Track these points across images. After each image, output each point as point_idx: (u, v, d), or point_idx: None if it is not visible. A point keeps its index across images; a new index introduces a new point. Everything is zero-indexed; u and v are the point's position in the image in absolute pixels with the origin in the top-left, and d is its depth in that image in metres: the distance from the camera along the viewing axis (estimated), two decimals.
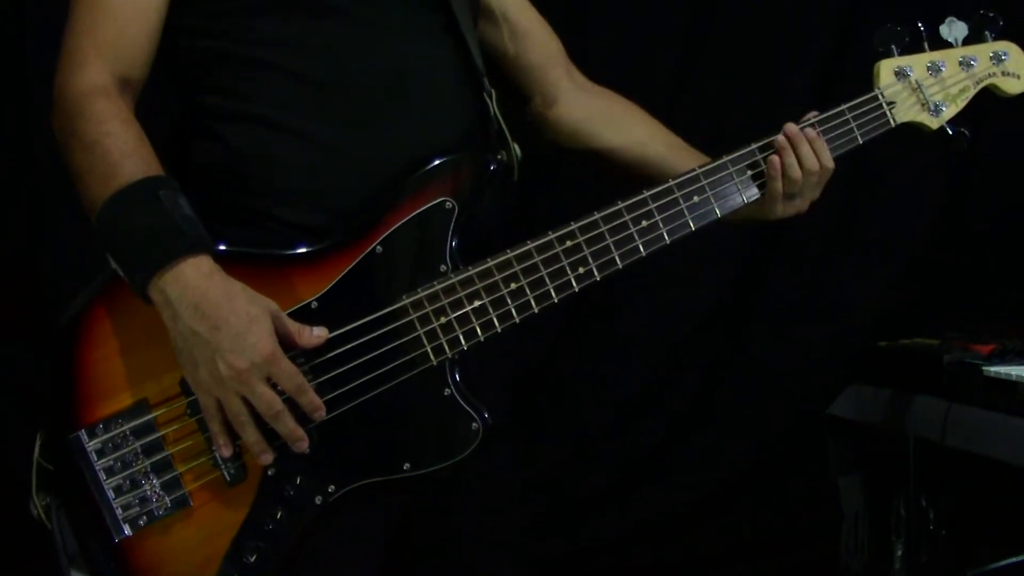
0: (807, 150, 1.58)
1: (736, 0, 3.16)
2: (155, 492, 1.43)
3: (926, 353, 2.67)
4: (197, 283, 1.37)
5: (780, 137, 1.57)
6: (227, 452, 1.40)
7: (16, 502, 1.61)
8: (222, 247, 1.42)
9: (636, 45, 3.13)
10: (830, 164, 1.60)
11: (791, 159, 1.57)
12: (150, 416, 1.43)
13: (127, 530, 1.43)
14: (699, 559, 3.30)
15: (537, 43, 1.73)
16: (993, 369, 2.44)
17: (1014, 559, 2.52)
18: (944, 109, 1.65)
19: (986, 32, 1.68)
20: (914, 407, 2.65)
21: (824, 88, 3.09)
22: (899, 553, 2.74)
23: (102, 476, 1.42)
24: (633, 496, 3.32)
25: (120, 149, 1.41)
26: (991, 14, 1.67)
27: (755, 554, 3.32)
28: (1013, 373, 2.38)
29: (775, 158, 1.57)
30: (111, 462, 1.43)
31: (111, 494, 1.43)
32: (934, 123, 1.66)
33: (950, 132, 1.66)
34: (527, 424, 3.07)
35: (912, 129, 1.66)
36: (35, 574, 1.57)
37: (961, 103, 1.66)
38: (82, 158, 1.42)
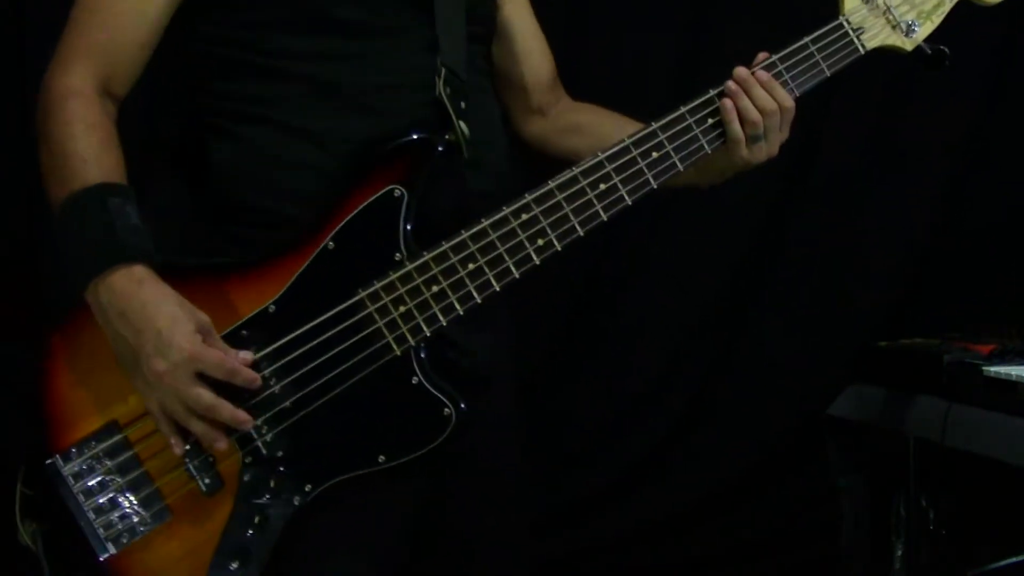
0: (760, 92, 1.54)
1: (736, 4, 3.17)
2: (134, 509, 1.45)
3: (926, 353, 2.67)
4: (126, 290, 1.40)
5: (730, 83, 1.54)
6: (179, 451, 1.43)
7: (14, 503, 1.63)
8: (165, 260, 1.44)
9: (635, 44, 3.14)
10: (788, 103, 1.55)
11: (745, 102, 1.53)
12: (121, 435, 1.46)
13: (111, 548, 1.45)
14: (699, 559, 3.30)
15: (530, 66, 1.77)
16: (993, 369, 2.43)
17: (1014, 559, 2.52)
18: (917, 28, 1.57)
19: None
20: (914, 407, 2.64)
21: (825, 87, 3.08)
22: (899, 553, 2.74)
23: (81, 499, 1.45)
24: (633, 496, 3.32)
25: (80, 154, 1.45)
26: None
27: (755, 554, 3.32)
28: (1013, 373, 2.38)
29: (727, 100, 1.53)
30: (88, 484, 1.45)
31: (92, 515, 1.45)
32: (908, 44, 1.59)
33: (928, 52, 1.59)
34: (526, 424, 3.07)
35: (887, 54, 1.58)
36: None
37: (937, 19, 1.59)
38: (47, 158, 1.48)
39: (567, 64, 3.08)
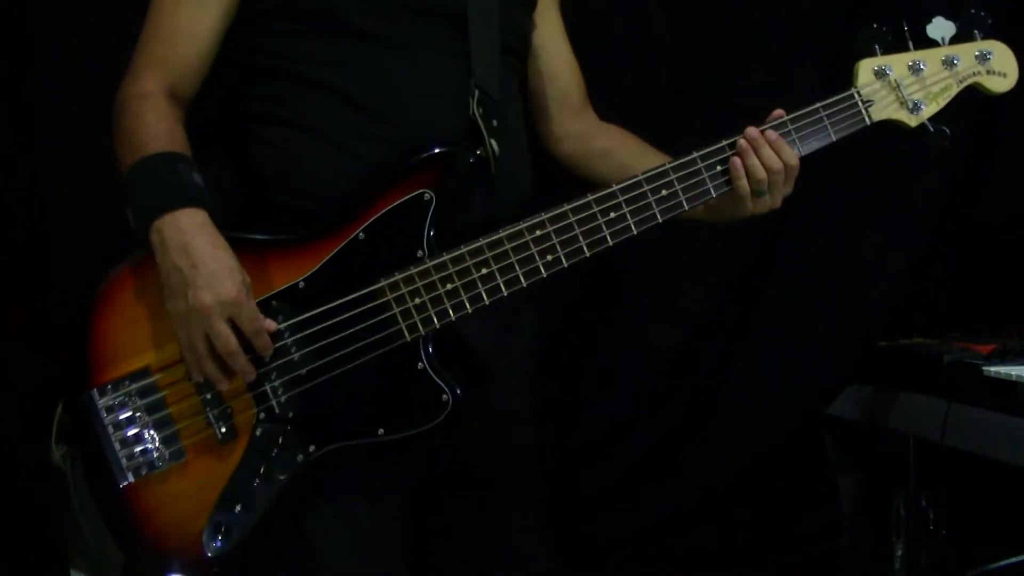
0: (768, 152, 1.66)
1: (739, 3, 3.16)
2: (155, 446, 1.62)
3: (926, 353, 2.67)
4: (189, 229, 1.57)
5: (741, 140, 1.66)
6: (198, 377, 1.60)
7: (15, 499, 1.76)
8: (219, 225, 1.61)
9: (639, 48, 3.13)
10: (793, 162, 1.67)
11: (753, 160, 1.66)
12: (153, 379, 1.62)
13: (130, 477, 1.61)
14: (699, 559, 3.30)
15: (561, 87, 1.92)
16: (993, 369, 2.44)
17: (1014, 559, 2.52)
18: (924, 107, 1.68)
19: (975, 31, 1.69)
20: (914, 407, 2.65)
21: (828, 91, 3.08)
22: (899, 553, 2.74)
23: (110, 430, 1.62)
24: (632, 496, 3.32)
25: (151, 133, 1.64)
26: (981, 12, 1.69)
27: (755, 554, 3.31)
28: (1013, 373, 2.38)
29: (736, 159, 1.66)
30: (119, 418, 1.62)
31: (117, 446, 1.62)
32: (913, 121, 1.70)
33: (931, 129, 1.70)
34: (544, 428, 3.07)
35: (892, 127, 1.68)
36: (34, 567, 1.75)
37: (943, 101, 1.70)
38: (120, 145, 1.65)
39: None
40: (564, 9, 1.97)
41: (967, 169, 3.31)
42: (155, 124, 1.64)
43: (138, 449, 1.61)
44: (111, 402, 1.61)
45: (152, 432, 1.61)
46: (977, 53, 1.69)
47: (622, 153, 1.88)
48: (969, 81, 1.70)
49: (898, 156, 3.25)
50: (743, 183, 1.66)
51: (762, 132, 1.67)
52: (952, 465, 2.58)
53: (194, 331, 1.56)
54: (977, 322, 2.89)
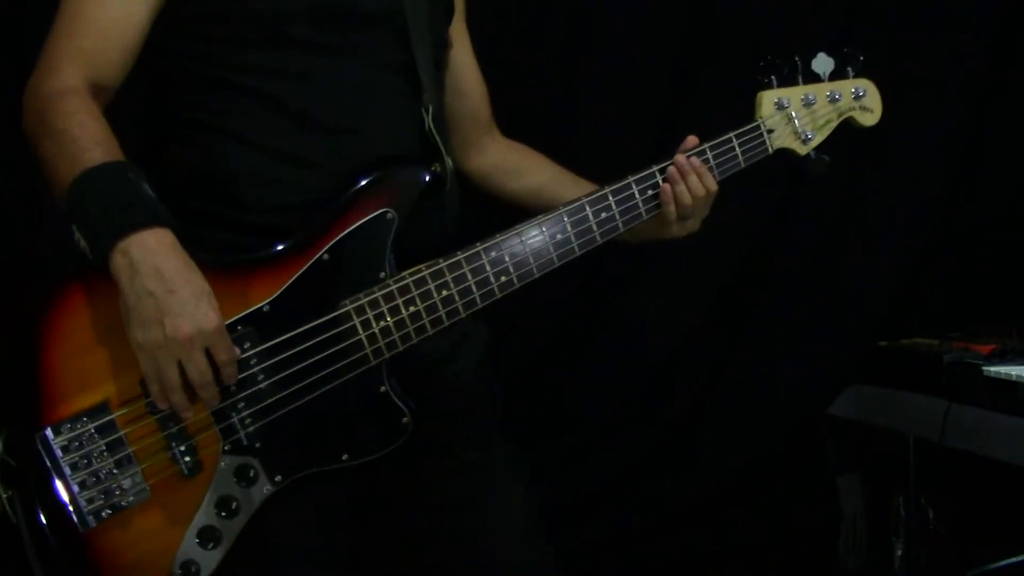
0: (694, 179, 1.75)
1: (736, 6, 3.16)
2: (118, 486, 1.53)
3: (926, 353, 2.67)
4: (160, 250, 1.46)
5: (671, 169, 1.73)
6: (163, 405, 1.49)
7: None
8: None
9: (636, 51, 3.13)
10: (714, 187, 1.77)
11: (681, 187, 1.74)
12: (112, 415, 1.52)
13: (92, 521, 1.52)
14: (699, 559, 3.30)
15: (471, 104, 1.92)
16: (993, 369, 2.44)
17: (1014, 559, 2.52)
18: (811, 138, 1.83)
19: (848, 68, 1.85)
20: (914, 407, 2.65)
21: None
22: (899, 553, 2.74)
23: (68, 471, 1.52)
24: (632, 496, 3.32)
25: (90, 136, 1.50)
26: (854, 52, 1.86)
27: (755, 554, 3.31)
28: (1013, 373, 2.38)
29: (666, 186, 1.74)
30: (76, 458, 1.52)
31: (76, 488, 1.52)
32: (803, 149, 1.85)
33: (812, 157, 1.84)
34: (526, 425, 3.07)
35: (784, 154, 1.84)
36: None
37: (826, 132, 1.86)
38: (50, 145, 1.51)
39: (567, 79, 3.14)
40: (564, 10, 1.97)
41: (967, 169, 3.31)
42: (91, 125, 1.51)
43: (100, 490, 1.52)
44: (67, 442, 1.51)
45: (114, 471, 1.52)
46: (853, 90, 1.85)
47: (530, 171, 1.92)
48: (846, 115, 1.86)
49: (898, 156, 3.25)
50: (671, 208, 1.73)
51: (688, 159, 1.74)
52: (952, 465, 2.58)
53: (166, 361, 1.46)
54: (977, 322, 2.89)
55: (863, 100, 1.86)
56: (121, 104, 1.62)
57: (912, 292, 3.31)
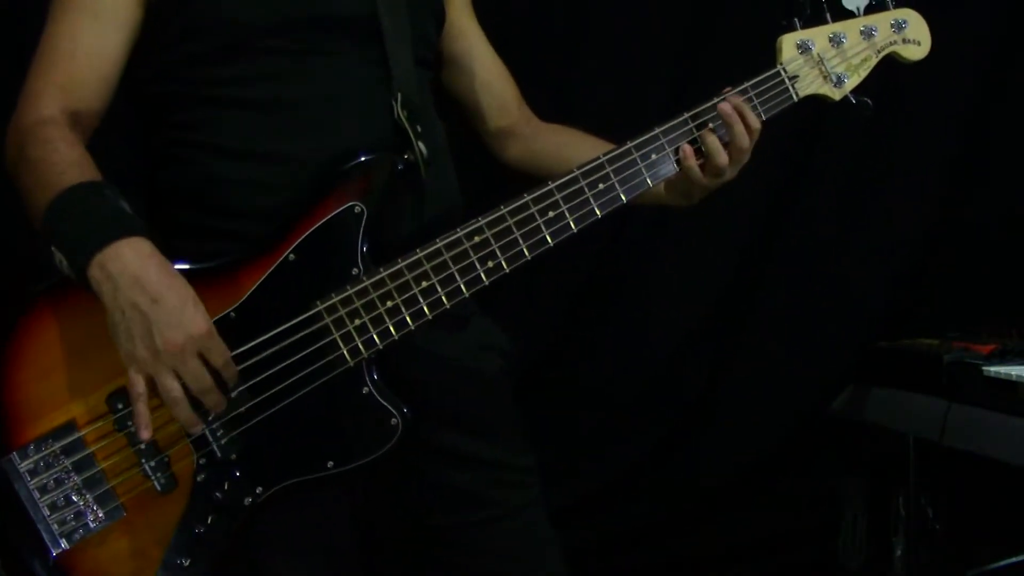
0: (751, 116, 1.63)
1: (737, 3, 3.16)
2: (89, 507, 1.48)
3: (926, 353, 2.67)
4: (138, 260, 1.43)
5: (723, 105, 1.60)
6: (146, 435, 1.45)
7: None
8: None
9: (636, 49, 3.13)
10: (757, 125, 1.63)
11: (740, 128, 1.61)
12: (79, 434, 1.49)
13: (64, 544, 1.48)
14: (699, 559, 3.30)
15: (496, 92, 1.86)
16: (993, 369, 2.44)
17: (1014, 559, 2.52)
18: (846, 80, 1.66)
19: (888, 0, 1.68)
20: (914, 407, 2.65)
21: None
22: (899, 553, 2.74)
23: (36, 495, 1.48)
24: (632, 496, 3.32)
25: (65, 161, 1.49)
26: None
27: (755, 554, 3.31)
28: (1013, 373, 2.38)
29: (710, 136, 1.60)
30: (44, 481, 1.48)
31: (46, 511, 1.48)
32: (837, 94, 1.68)
33: (853, 101, 1.68)
34: (526, 424, 3.07)
35: (816, 100, 1.67)
36: None
37: (864, 72, 1.68)
38: (28, 175, 1.50)
39: (565, 81, 3.13)
40: (564, 9, 1.95)
41: (966, 169, 3.31)
42: (67, 151, 1.49)
43: (70, 512, 1.47)
44: (35, 464, 1.47)
45: (84, 493, 1.48)
46: (892, 22, 1.68)
47: (571, 148, 1.80)
48: (887, 51, 1.69)
49: (898, 155, 3.25)
50: (721, 158, 1.61)
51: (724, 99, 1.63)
52: (952, 465, 2.58)
53: (163, 374, 1.42)
54: (977, 322, 2.89)
55: (905, 31, 1.68)
56: (112, 127, 1.63)
57: (912, 292, 3.31)
